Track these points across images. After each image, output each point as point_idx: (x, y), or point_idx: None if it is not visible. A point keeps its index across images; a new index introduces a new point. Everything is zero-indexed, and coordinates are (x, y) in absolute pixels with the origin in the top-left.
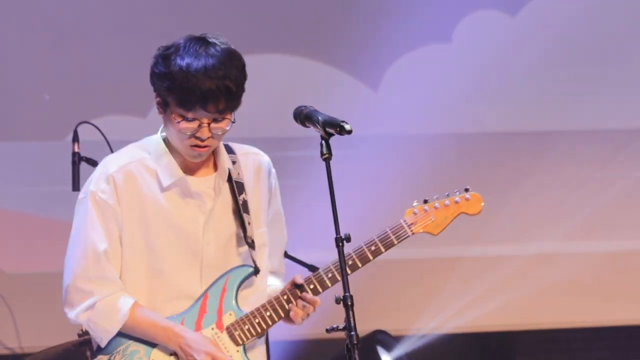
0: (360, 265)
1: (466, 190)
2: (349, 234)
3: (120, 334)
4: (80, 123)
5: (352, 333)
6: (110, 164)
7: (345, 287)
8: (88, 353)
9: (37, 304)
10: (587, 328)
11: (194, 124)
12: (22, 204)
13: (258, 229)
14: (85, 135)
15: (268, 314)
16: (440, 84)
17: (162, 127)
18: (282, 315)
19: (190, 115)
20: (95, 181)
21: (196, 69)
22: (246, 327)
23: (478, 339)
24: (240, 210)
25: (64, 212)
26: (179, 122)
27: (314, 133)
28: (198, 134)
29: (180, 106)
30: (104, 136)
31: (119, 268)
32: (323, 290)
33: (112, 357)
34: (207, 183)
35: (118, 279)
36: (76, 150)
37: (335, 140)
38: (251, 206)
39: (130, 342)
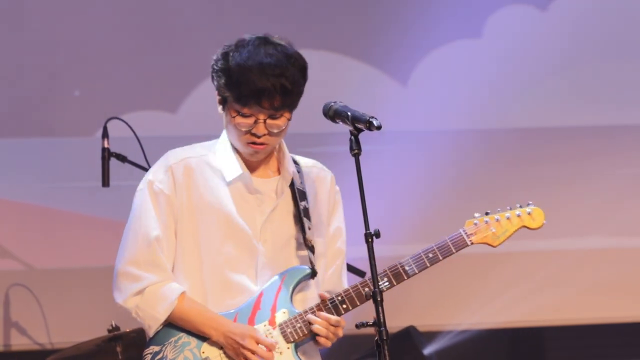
0: (417, 271)
1: (528, 204)
2: (378, 230)
3: (172, 326)
4: (110, 119)
5: (382, 329)
6: (171, 156)
7: (375, 283)
8: (118, 349)
9: (68, 299)
10: (620, 324)
11: (250, 120)
12: (52, 199)
13: (318, 237)
14: (115, 131)
15: (322, 313)
16: (470, 79)
17: (223, 132)
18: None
19: (246, 110)
20: (154, 171)
21: (251, 65)
22: (298, 325)
23: (508, 335)
24: (300, 215)
25: (94, 207)
26: (234, 117)
27: (342, 128)
28: (254, 130)
29: (237, 101)
30: (133, 132)
31: (172, 258)
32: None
33: (164, 348)
34: (270, 185)
35: (168, 267)
36: (106, 146)
37: (364, 136)
38: (312, 214)
39: (182, 334)
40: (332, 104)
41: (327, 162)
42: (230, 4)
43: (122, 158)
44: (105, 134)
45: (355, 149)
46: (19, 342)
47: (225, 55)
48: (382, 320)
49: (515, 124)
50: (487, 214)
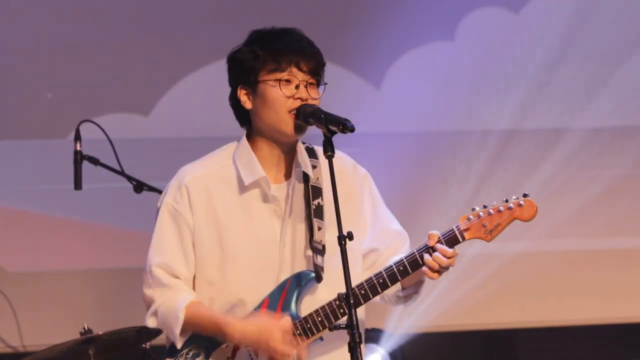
0: (410, 270)
1: (524, 195)
2: (351, 232)
3: (189, 337)
4: (82, 121)
5: (355, 331)
6: (185, 173)
7: (348, 285)
8: (90, 352)
9: (40, 302)
10: (590, 325)
11: (291, 85)
12: (24, 202)
13: (333, 235)
14: (88, 133)
15: (319, 319)
16: (443, 81)
17: (243, 135)
18: (334, 321)
19: (285, 75)
20: (169, 191)
21: (282, 34)
22: (297, 332)
23: (481, 337)
24: (311, 215)
25: (67, 210)
26: (273, 86)
27: (316, 131)
28: (297, 95)
29: (275, 69)
30: (106, 134)
31: (188, 272)
32: (373, 297)
33: None
34: (284, 186)
35: (177, 283)
36: (78, 148)
37: (337, 138)
38: (326, 211)
39: (194, 344)
40: (306, 106)
41: None
42: (205, 7)
43: (94, 161)
44: (77, 137)
45: (329, 151)
46: None
47: (250, 40)
48: (355, 322)
49: (488, 125)
50: (484, 207)
